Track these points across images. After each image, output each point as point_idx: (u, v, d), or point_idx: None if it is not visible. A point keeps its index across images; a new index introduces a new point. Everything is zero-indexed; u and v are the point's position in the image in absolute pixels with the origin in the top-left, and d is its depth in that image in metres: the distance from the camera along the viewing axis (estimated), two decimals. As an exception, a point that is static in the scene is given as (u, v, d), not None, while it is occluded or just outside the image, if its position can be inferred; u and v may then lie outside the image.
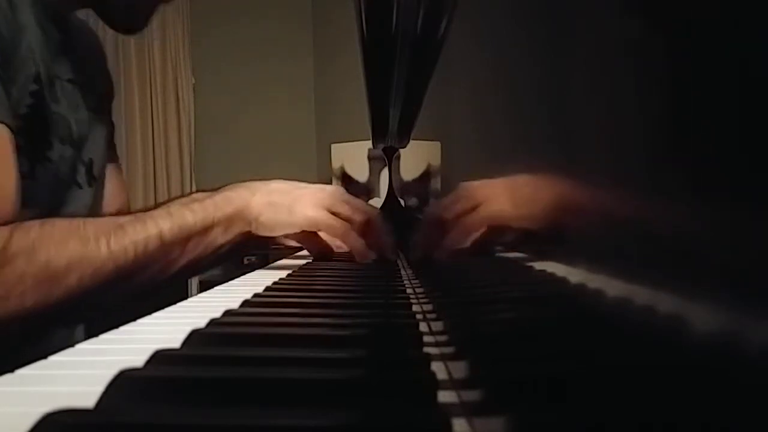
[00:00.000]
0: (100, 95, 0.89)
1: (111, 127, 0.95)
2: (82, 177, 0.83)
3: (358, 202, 0.80)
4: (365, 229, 0.78)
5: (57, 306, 0.59)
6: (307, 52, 3.64)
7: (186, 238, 0.68)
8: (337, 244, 0.83)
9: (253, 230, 0.73)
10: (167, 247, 0.66)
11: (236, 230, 0.72)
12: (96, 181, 0.87)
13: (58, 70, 0.77)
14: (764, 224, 0.10)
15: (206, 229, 0.69)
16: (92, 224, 0.63)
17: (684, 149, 0.14)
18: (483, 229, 0.37)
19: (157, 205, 0.74)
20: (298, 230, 0.75)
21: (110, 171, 0.96)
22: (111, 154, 0.97)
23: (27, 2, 0.71)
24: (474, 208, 0.38)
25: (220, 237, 0.71)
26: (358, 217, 0.76)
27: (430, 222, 0.57)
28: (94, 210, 0.87)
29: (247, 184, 0.75)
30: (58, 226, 0.62)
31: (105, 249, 0.62)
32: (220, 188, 0.76)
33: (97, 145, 0.87)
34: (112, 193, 0.96)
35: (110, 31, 0.88)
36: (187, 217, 0.68)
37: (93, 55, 0.92)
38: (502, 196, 0.32)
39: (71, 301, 0.60)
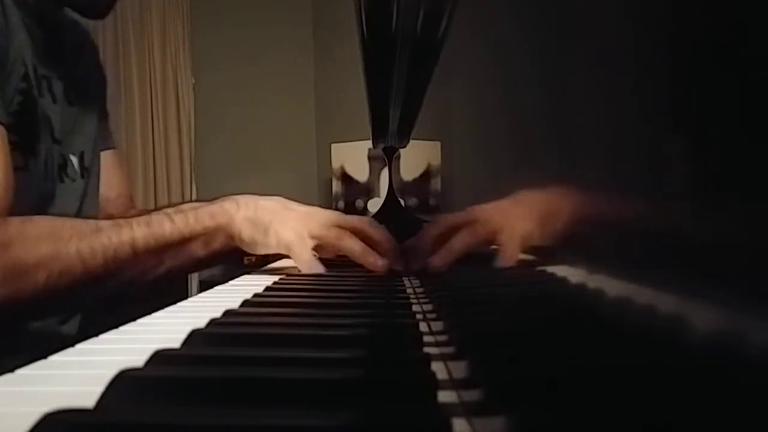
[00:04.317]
0: (89, 88, 0.91)
1: (104, 115, 0.98)
2: (72, 170, 0.85)
3: (346, 224, 0.73)
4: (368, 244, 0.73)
5: (25, 301, 0.61)
6: (307, 52, 3.63)
7: (162, 248, 0.68)
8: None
9: (238, 245, 0.73)
10: (140, 255, 0.67)
11: (217, 244, 0.72)
12: (88, 172, 0.89)
13: (44, 68, 0.80)
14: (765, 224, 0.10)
15: (184, 241, 0.70)
16: (71, 224, 0.64)
17: (692, 150, 0.14)
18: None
19: (157, 208, 0.74)
20: (273, 251, 0.73)
21: (108, 158, 0.98)
22: (108, 142, 0.99)
23: (14, 5, 0.74)
24: (493, 231, 0.38)
25: (200, 250, 0.71)
26: (341, 243, 0.71)
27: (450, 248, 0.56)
28: (90, 199, 0.89)
29: (238, 197, 0.74)
30: (39, 224, 0.63)
31: (74, 250, 0.63)
32: (214, 199, 0.75)
33: (87, 137, 0.89)
34: (110, 179, 0.97)
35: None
36: (165, 227, 0.69)
37: (82, 50, 0.95)
38: (523, 217, 0.32)
39: (40, 297, 0.61)
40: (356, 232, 0.72)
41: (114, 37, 3.37)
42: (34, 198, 0.76)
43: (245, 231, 0.72)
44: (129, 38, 3.39)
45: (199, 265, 0.74)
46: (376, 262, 0.71)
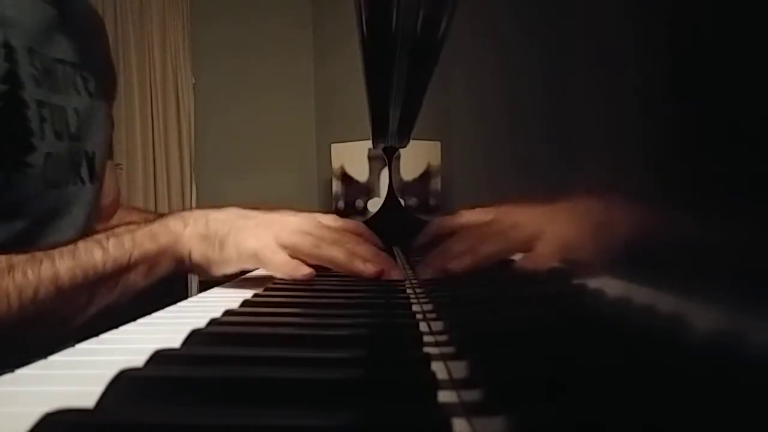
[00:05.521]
0: (102, 80, 0.80)
1: (112, 122, 0.88)
2: (85, 172, 0.74)
3: (323, 229, 0.62)
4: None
5: None
6: (307, 52, 3.64)
7: (93, 282, 0.56)
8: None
9: (190, 269, 0.61)
10: (65, 293, 0.55)
11: (162, 271, 0.60)
12: (96, 177, 0.78)
13: (54, 50, 0.70)
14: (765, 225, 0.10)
15: (121, 271, 0.58)
16: None
17: (691, 148, 0.14)
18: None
19: (159, 216, 0.64)
20: (235, 268, 0.60)
21: (108, 165, 0.87)
22: (110, 151, 0.89)
23: None
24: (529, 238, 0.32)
25: (141, 279, 0.59)
26: (319, 252, 0.59)
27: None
28: (95, 209, 0.79)
29: (186, 213, 0.63)
30: None
31: None
32: (161, 216, 0.63)
33: (99, 136, 0.78)
34: (107, 185, 0.86)
35: (110, 33, 0.84)
36: (95, 257, 0.56)
37: (95, 35, 0.83)
38: (559, 223, 0.29)
39: None
40: (338, 238, 0.61)
41: (114, 37, 3.37)
42: (31, 215, 0.66)
43: (196, 250, 0.60)
44: (129, 38, 3.40)
45: (141, 295, 0.61)
46: (366, 267, 0.59)
